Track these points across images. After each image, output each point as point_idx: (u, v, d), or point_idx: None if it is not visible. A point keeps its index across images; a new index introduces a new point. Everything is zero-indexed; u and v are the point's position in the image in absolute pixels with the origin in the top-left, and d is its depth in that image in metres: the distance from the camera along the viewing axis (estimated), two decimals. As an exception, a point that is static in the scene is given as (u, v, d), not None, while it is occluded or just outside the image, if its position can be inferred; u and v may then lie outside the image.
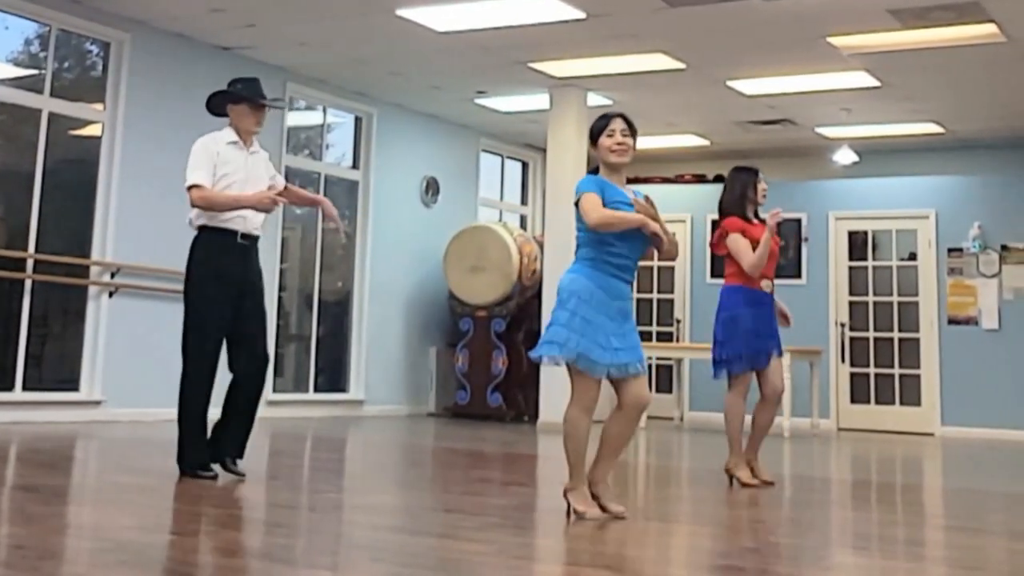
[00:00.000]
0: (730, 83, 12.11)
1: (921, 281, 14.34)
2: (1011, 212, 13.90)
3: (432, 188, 14.41)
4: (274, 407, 11.96)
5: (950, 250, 14.17)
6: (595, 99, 12.55)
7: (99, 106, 10.80)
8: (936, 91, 12.19)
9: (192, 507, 5.52)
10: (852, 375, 14.52)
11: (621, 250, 5.47)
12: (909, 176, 14.63)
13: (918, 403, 14.13)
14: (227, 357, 6.50)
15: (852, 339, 14.58)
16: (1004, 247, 13.91)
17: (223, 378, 6.50)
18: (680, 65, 11.47)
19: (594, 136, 5.69)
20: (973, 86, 11.90)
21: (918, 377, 14.18)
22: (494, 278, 13.47)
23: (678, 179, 15.70)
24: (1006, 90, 11.99)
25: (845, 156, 13.88)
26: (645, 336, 15.27)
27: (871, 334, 14.50)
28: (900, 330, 14.39)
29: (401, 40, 11.01)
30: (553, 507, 5.66)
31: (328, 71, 12.41)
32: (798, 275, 14.63)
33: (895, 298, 14.47)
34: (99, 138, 10.74)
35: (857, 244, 14.79)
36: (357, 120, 13.64)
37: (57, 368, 10.74)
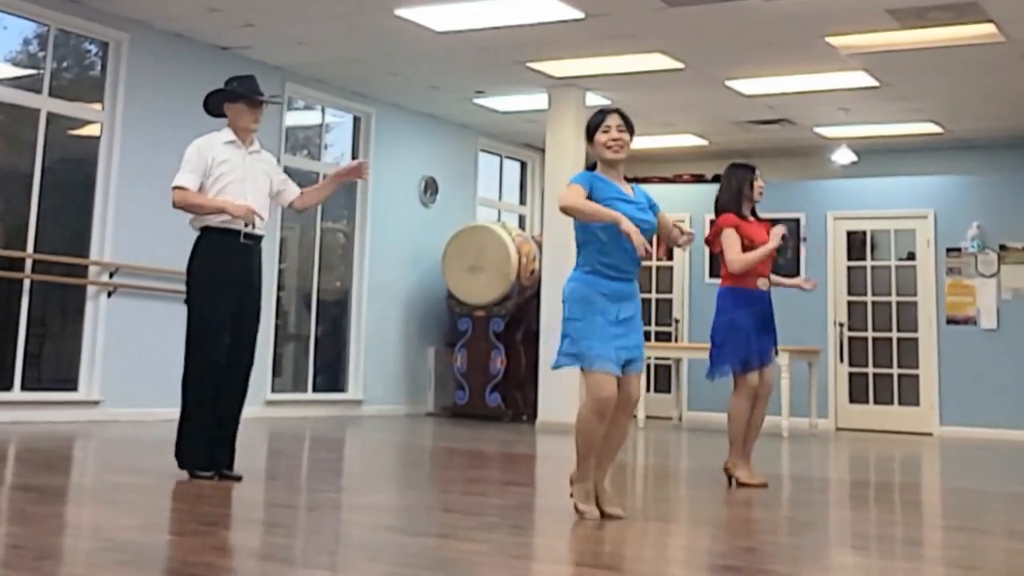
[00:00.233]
0: (729, 83, 12.11)
1: (920, 281, 14.34)
2: (1010, 212, 13.90)
3: (431, 188, 14.41)
4: (272, 407, 11.97)
5: (949, 250, 14.18)
6: (594, 99, 12.54)
7: (98, 106, 10.80)
8: (935, 91, 12.19)
9: (191, 507, 5.52)
10: (851, 375, 14.52)
11: (614, 260, 5.43)
12: (908, 176, 14.63)
13: (916, 403, 14.13)
14: None
15: (851, 339, 14.58)
16: (1003, 247, 13.92)
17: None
18: (679, 65, 11.47)
19: (590, 132, 5.65)
20: (972, 86, 11.91)
21: (917, 377, 14.19)
22: (492, 278, 13.47)
23: (676, 179, 15.70)
24: (1005, 90, 11.99)
25: (844, 156, 13.89)
26: (643, 336, 15.28)
27: (870, 334, 14.50)
28: (899, 330, 14.39)
29: (400, 40, 11.01)
30: (552, 507, 5.66)
31: (326, 71, 12.41)
32: (797, 275, 14.60)
33: (894, 298, 14.47)
34: (98, 138, 10.74)
35: (856, 244, 14.80)
36: (355, 120, 13.64)
37: (56, 368, 10.73)
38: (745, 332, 7.00)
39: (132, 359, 10.48)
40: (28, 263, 10.09)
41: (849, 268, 14.69)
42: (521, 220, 16.35)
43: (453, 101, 13.59)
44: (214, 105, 6.62)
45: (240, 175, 6.45)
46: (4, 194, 10.57)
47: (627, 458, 9.32)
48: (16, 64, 10.59)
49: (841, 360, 14.53)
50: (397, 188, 13.91)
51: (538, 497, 6.47)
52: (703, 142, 15.10)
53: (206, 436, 6.33)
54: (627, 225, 5.27)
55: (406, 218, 14.00)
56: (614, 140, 5.55)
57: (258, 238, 6.54)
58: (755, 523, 5.87)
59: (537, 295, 13.01)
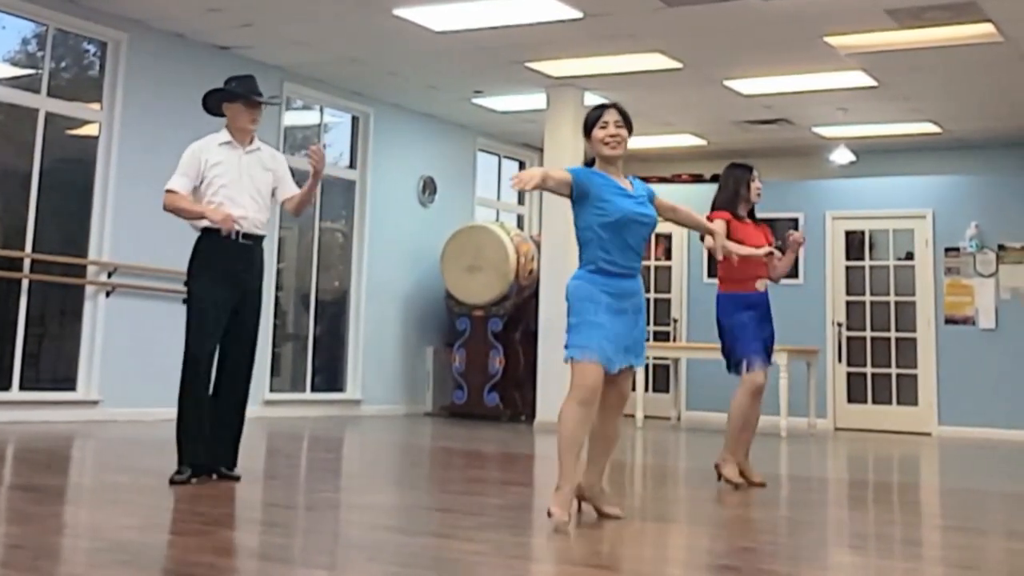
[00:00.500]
0: (727, 83, 12.11)
1: (918, 281, 14.34)
2: (1008, 212, 13.91)
3: (429, 188, 14.41)
4: (271, 407, 11.97)
5: (947, 250, 14.18)
6: (592, 99, 12.53)
7: (96, 106, 10.80)
8: (933, 91, 12.20)
9: (189, 507, 5.51)
10: (849, 375, 14.52)
11: (615, 256, 5.38)
12: (906, 176, 14.63)
13: (915, 403, 14.13)
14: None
15: (849, 339, 14.58)
16: (1001, 247, 13.92)
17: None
18: (677, 65, 11.47)
19: (587, 128, 5.59)
20: (970, 86, 11.91)
21: (915, 377, 14.19)
22: (491, 278, 13.47)
23: (675, 179, 15.70)
24: (1003, 90, 11.99)
25: (842, 156, 13.89)
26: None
27: (868, 334, 14.50)
28: (897, 330, 14.39)
29: (398, 40, 11.01)
30: (550, 507, 5.65)
31: (325, 71, 12.41)
32: (795, 275, 14.62)
33: (892, 298, 14.48)
34: (96, 138, 10.74)
35: (854, 244, 14.80)
36: (354, 120, 13.64)
37: (54, 368, 10.73)
38: (749, 334, 7.01)
39: (130, 359, 10.48)
40: (27, 263, 10.09)
41: (847, 268, 14.70)
42: (519, 220, 16.36)
43: (452, 101, 13.59)
44: (213, 104, 6.62)
45: (234, 176, 6.41)
46: (2, 194, 10.57)
47: (625, 458, 9.33)
48: (15, 64, 10.59)
49: (839, 360, 14.53)
50: (396, 188, 13.92)
51: (536, 497, 6.47)
52: (702, 142, 15.10)
53: (198, 435, 6.27)
54: (529, 180, 5.25)
55: (405, 218, 14.01)
56: (611, 136, 5.50)
57: (257, 238, 6.51)
58: (754, 523, 5.88)
59: (535, 295, 13.00)
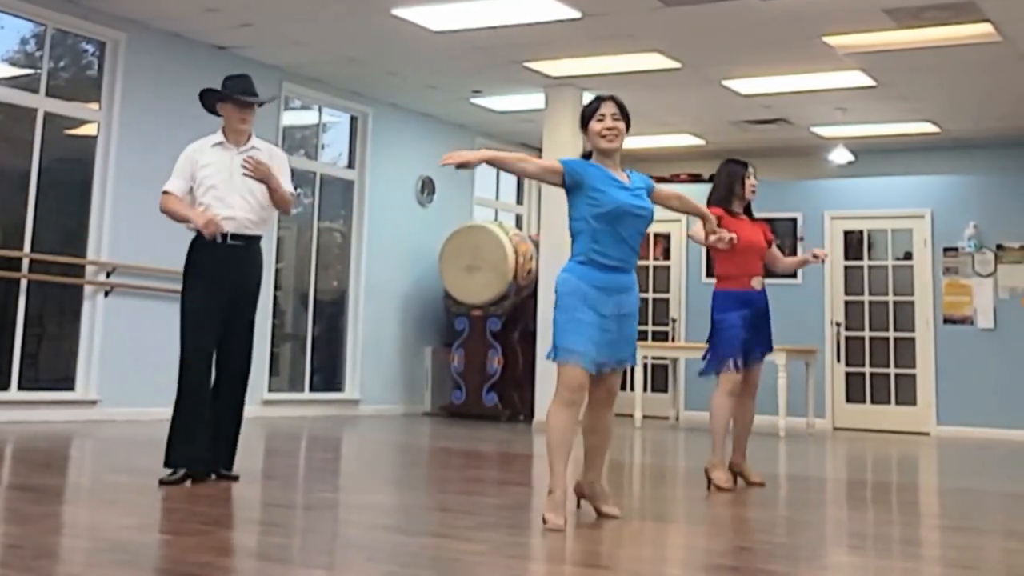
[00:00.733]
0: (726, 83, 12.11)
1: (917, 281, 14.35)
2: (1007, 211, 13.91)
3: (428, 187, 14.41)
4: (270, 406, 11.97)
5: (946, 249, 14.19)
6: (591, 99, 12.53)
7: (95, 105, 10.80)
8: (932, 90, 12.20)
9: (188, 506, 5.51)
10: (848, 375, 14.53)
11: (607, 248, 5.30)
12: (905, 176, 14.64)
13: (913, 402, 14.14)
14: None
15: (848, 339, 14.58)
16: (999, 246, 13.93)
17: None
18: (676, 64, 11.47)
19: (584, 120, 5.54)
20: (969, 86, 11.91)
21: (914, 377, 14.20)
22: (490, 277, 13.47)
23: (673, 179, 15.70)
24: (1002, 89, 12.00)
25: (840, 156, 13.90)
26: (641, 335, 15.29)
27: (867, 333, 14.51)
28: (896, 330, 14.40)
29: (397, 40, 11.01)
30: (549, 506, 5.64)
31: (324, 70, 12.41)
32: (794, 275, 14.60)
33: (891, 298, 14.48)
34: (95, 137, 10.74)
35: (853, 244, 14.80)
36: (353, 120, 13.65)
37: (53, 367, 10.72)
38: (734, 333, 6.95)
39: (129, 359, 10.48)
40: (25, 263, 10.09)
41: (846, 268, 14.70)
42: (518, 220, 16.36)
43: (450, 101, 13.59)
44: (209, 104, 6.61)
45: (225, 177, 6.36)
46: (1, 194, 10.56)
47: (624, 458, 9.33)
48: (13, 64, 10.58)
49: (838, 360, 14.54)
50: (394, 188, 13.92)
51: (535, 497, 6.46)
52: (700, 142, 15.11)
53: (191, 436, 6.21)
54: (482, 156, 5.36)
55: (403, 218, 14.01)
56: (608, 129, 5.43)
57: (249, 238, 6.45)
58: (752, 523, 5.87)
59: (534, 295, 13.01)
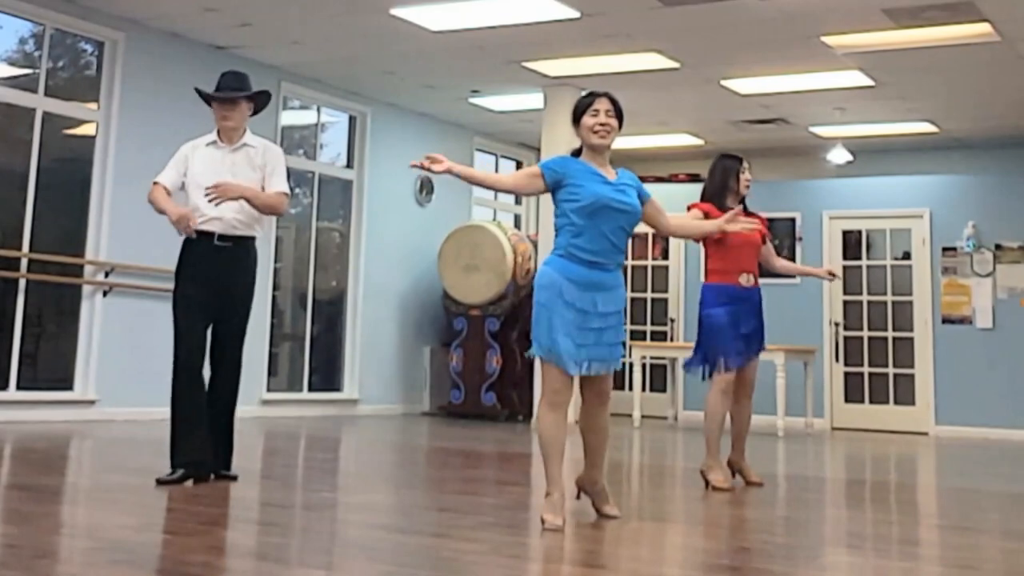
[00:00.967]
0: (724, 82, 12.11)
1: (915, 280, 14.36)
2: (1005, 211, 13.92)
3: (426, 187, 14.41)
4: (268, 406, 11.97)
5: (944, 249, 14.20)
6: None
7: (93, 105, 10.80)
8: (930, 90, 12.20)
9: (186, 506, 5.51)
10: (846, 374, 14.53)
11: (588, 244, 5.20)
12: (903, 175, 14.64)
13: (912, 402, 14.15)
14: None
15: (846, 338, 14.59)
16: (998, 246, 13.93)
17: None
18: (674, 64, 11.47)
19: (577, 115, 5.42)
20: (967, 85, 11.92)
21: (912, 376, 14.20)
22: (488, 277, 13.47)
23: (672, 178, 15.69)
24: (1000, 89, 12.00)
25: (839, 155, 13.90)
26: (639, 335, 15.32)
27: (865, 333, 14.51)
28: (894, 329, 14.40)
29: (395, 39, 11.01)
30: (547, 506, 5.64)
31: (322, 70, 12.41)
32: (792, 275, 14.62)
33: (889, 297, 14.49)
34: (93, 137, 10.74)
35: (851, 243, 14.81)
36: (351, 119, 13.65)
37: (51, 367, 10.72)
38: (720, 330, 6.89)
39: (127, 358, 10.47)
40: (23, 262, 10.08)
41: (845, 267, 14.69)
42: (517, 219, 16.36)
43: (448, 100, 13.59)
44: (206, 103, 6.62)
45: (212, 176, 6.31)
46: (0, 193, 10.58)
47: (623, 458, 9.33)
48: (12, 63, 10.58)
49: (837, 359, 14.54)
50: (393, 187, 13.91)
51: (533, 496, 6.46)
52: (699, 141, 15.10)
53: (187, 437, 6.20)
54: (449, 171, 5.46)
55: (402, 218, 14.01)
56: (601, 125, 5.33)
57: (238, 239, 6.37)
58: (751, 522, 5.87)
59: (533, 294, 12.98)
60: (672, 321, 15.40)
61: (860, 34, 10.32)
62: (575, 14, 10.01)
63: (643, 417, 13.33)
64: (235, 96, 6.47)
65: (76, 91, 10.98)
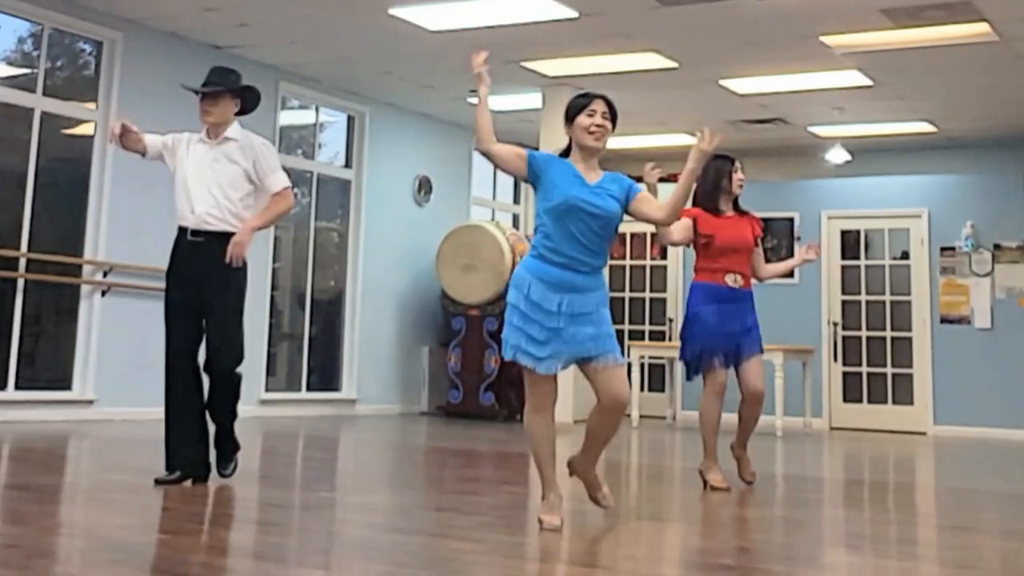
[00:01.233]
0: (723, 82, 12.11)
1: (914, 280, 14.37)
2: (1003, 211, 13.93)
3: (425, 187, 14.41)
4: (266, 406, 11.97)
5: (943, 249, 14.20)
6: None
7: (91, 105, 10.79)
8: (929, 90, 12.20)
9: (184, 506, 5.51)
10: (845, 374, 14.54)
11: (558, 246, 5.07)
12: (902, 175, 14.65)
13: (911, 402, 14.15)
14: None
15: (845, 338, 14.60)
16: (997, 246, 13.94)
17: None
18: (672, 64, 11.47)
19: (571, 113, 5.31)
20: (966, 85, 11.92)
21: (911, 376, 14.21)
22: (487, 277, 13.46)
23: (670, 178, 15.48)
24: (999, 89, 12.00)
25: (837, 155, 13.89)
26: (637, 335, 15.32)
27: (864, 333, 14.52)
28: (893, 329, 14.41)
29: (393, 39, 11.00)
30: (546, 506, 5.63)
31: (320, 70, 12.40)
32: (790, 274, 14.59)
33: (888, 297, 14.50)
34: (91, 137, 10.74)
35: (850, 243, 14.82)
36: (349, 119, 13.64)
37: (49, 367, 10.72)
38: (705, 329, 6.81)
39: (126, 358, 10.46)
40: (22, 262, 10.08)
41: (843, 267, 14.71)
42: (515, 219, 16.35)
43: (447, 100, 13.59)
44: None
45: (195, 172, 6.27)
46: (-2, 193, 10.57)
47: (621, 457, 9.33)
48: (10, 63, 10.57)
49: (835, 359, 14.55)
50: (391, 187, 13.91)
51: (532, 496, 6.46)
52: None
53: (179, 438, 6.16)
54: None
55: (400, 217, 14.00)
56: (598, 126, 5.22)
57: (211, 234, 6.22)
58: (749, 522, 5.87)
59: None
60: (670, 321, 15.41)
61: (858, 34, 10.32)
62: (573, 14, 10.01)
63: (641, 417, 13.33)
64: (215, 90, 6.38)
65: (74, 91, 10.97)
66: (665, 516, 6.13)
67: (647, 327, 15.50)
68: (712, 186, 6.99)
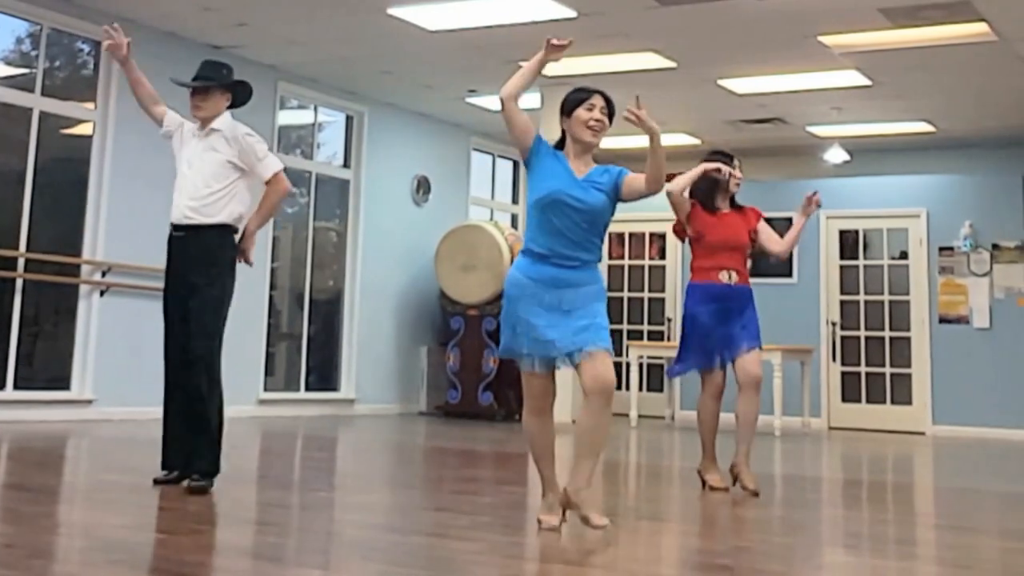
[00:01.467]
0: (721, 82, 12.11)
1: (912, 280, 14.37)
2: (1002, 211, 13.93)
3: (423, 187, 14.40)
4: (265, 406, 11.97)
5: (941, 249, 14.21)
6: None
7: (90, 105, 10.79)
8: (927, 90, 12.20)
9: (182, 506, 5.50)
10: (843, 374, 14.54)
11: (546, 241, 5.01)
12: (900, 175, 14.65)
13: (909, 402, 14.15)
14: None
15: (843, 338, 14.60)
16: (995, 246, 13.94)
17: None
18: (671, 64, 11.47)
19: (568, 107, 5.26)
20: (964, 85, 11.92)
21: (909, 376, 14.21)
22: (485, 277, 13.46)
23: (668, 178, 15.63)
24: (997, 89, 12.00)
25: (836, 155, 13.90)
26: (636, 335, 15.33)
27: (862, 333, 14.52)
28: (891, 329, 14.41)
29: (392, 39, 11.00)
30: (544, 506, 5.63)
31: (319, 70, 12.40)
32: (789, 274, 14.65)
33: (886, 297, 14.50)
34: (90, 137, 10.73)
35: (848, 243, 14.82)
36: (348, 119, 13.64)
37: (48, 367, 10.71)
38: (700, 330, 6.79)
39: (124, 358, 10.46)
40: (20, 262, 10.07)
41: (842, 267, 14.72)
42: (514, 219, 16.34)
43: (445, 100, 13.59)
44: None
45: (184, 162, 6.24)
46: (-4, 193, 10.57)
47: (620, 457, 9.33)
48: (8, 63, 10.56)
49: (834, 359, 14.55)
50: (390, 187, 13.91)
51: (530, 496, 6.46)
52: (696, 141, 15.08)
53: (170, 437, 6.10)
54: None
55: (398, 217, 14.00)
56: (597, 120, 5.20)
57: (189, 227, 6.12)
58: (748, 522, 5.87)
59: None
60: (669, 321, 15.41)
61: (857, 34, 10.32)
62: (572, 14, 10.01)
63: (640, 417, 13.33)
64: (205, 85, 6.36)
65: (73, 90, 10.97)
66: (663, 516, 6.13)
67: (645, 327, 15.50)
68: (710, 182, 6.97)
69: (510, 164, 16.35)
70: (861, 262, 14.69)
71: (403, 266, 14.05)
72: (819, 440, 12.25)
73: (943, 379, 13.91)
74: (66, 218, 10.68)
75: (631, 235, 15.54)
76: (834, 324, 14.60)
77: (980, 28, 9.95)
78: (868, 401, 14.38)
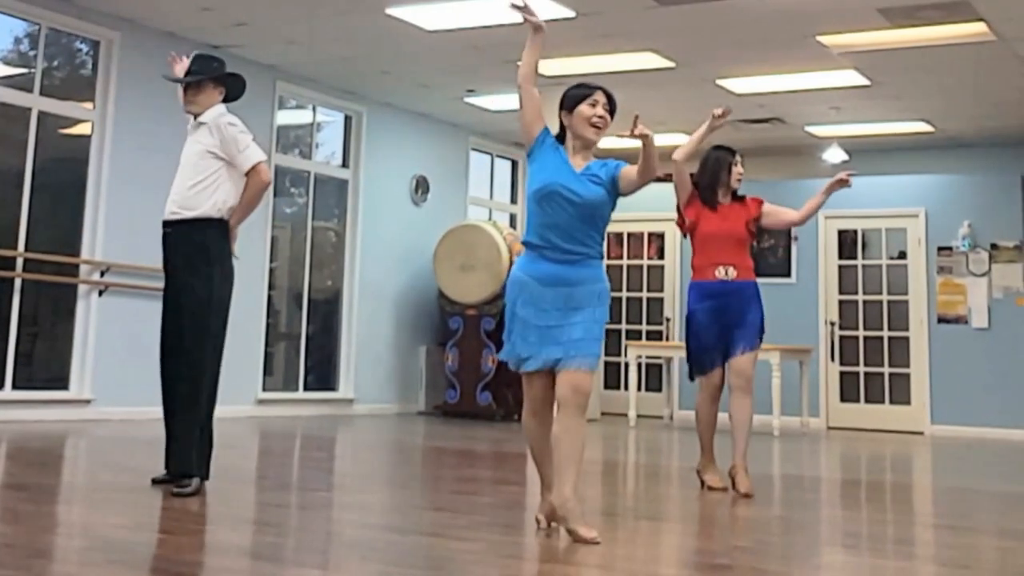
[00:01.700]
0: (720, 82, 12.11)
1: (911, 280, 14.38)
2: (1001, 211, 13.94)
3: (422, 187, 14.40)
4: (264, 406, 11.97)
5: (940, 249, 14.21)
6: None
7: (89, 105, 10.78)
8: (926, 90, 12.20)
9: (181, 506, 5.50)
10: (842, 374, 14.55)
11: (545, 235, 4.96)
12: (899, 175, 14.66)
13: (908, 402, 14.16)
14: None
15: (842, 338, 14.60)
16: (994, 246, 13.95)
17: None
18: (670, 64, 11.47)
19: (570, 103, 5.20)
20: (963, 85, 11.92)
21: (908, 376, 14.22)
22: (484, 277, 13.46)
23: (668, 178, 15.54)
24: (996, 89, 12.00)
25: (835, 155, 13.90)
26: (635, 335, 15.33)
27: (861, 333, 14.53)
28: (890, 329, 14.42)
29: (391, 39, 11.00)
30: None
31: (318, 70, 12.40)
32: (788, 274, 14.66)
33: (885, 297, 14.51)
34: (89, 137, 10.73)
35: (847, 243, 14.83)
36: (347, 119, 13.63)
37: (47, 367, 10.71)
38: (698, 330, 6.79)
39: (123, 358, 10.46)
40: (19, 262, 10.07)
41: (840, 267, 14.72)
42: (512, 219, 16.34)
43: (444, 100, 13.58)
44: None
45: (182, 161, 6.20)
46: (-5, 193, 10.57)
47: (618, 457, 9.33)
48: (7, 63, 10.56)
49: (832, 359, 14.56)
50: (388, 187, 13.90)
51: (529, 496, 6.46)
52: (695, 141, 15.09)
53: (167, 437, 6.05)
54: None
55: (397, 217, 14.00)
56: (600, 117, 5.12)
57: (176, 223, 6.05)
58: (747, 522, 5.88)
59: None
60: (667, 320, 15.42)
61: (855, 34, 10.32)
62: (571, 14, 10.01)
63: (638, 416, 13.33)
64: (197, 79, 6.33)
65: (72, 90, 10.96)
66: (662, 516, 6.13)
67: (644, 327, 15.51)
68: (712, 176, 6.98)
69: (508, 164, 16.35)
70: (860, 262, 14.70)
71: (402, 266, 14.05)
72: (818, 440, 12.26)
73: (942, 379, 13.91)
74: (65, 218, 10.68)
75: (629, 235, 15.54)
76: (833, 324, 14.61)
77: (979, 28, 9.96)
78: (867, 401, 14.39)
